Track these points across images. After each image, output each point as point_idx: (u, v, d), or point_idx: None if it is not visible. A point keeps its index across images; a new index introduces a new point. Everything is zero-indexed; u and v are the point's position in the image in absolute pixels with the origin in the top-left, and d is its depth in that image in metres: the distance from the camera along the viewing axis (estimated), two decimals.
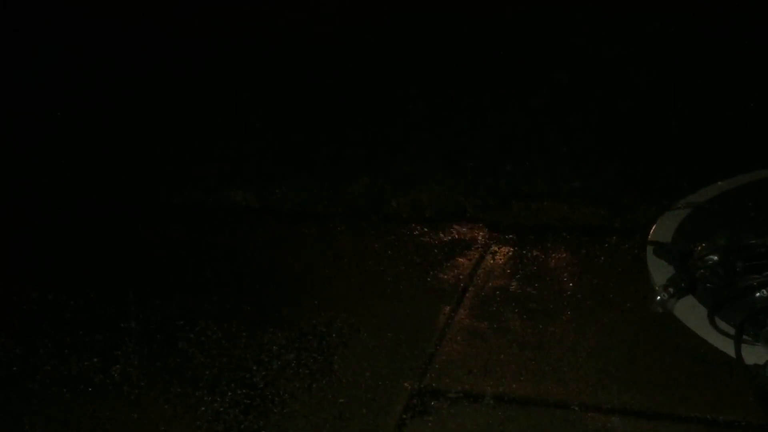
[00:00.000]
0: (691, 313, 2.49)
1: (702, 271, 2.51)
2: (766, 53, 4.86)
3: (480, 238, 3.33)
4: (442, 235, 3.38)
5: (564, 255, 3.16)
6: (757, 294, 2.42)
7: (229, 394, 2.55)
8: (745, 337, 2.31)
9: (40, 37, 6.31)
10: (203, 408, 2.50)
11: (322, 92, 4.93)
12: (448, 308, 2.88)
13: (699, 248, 2.57)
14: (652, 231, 2.78)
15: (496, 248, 3.23)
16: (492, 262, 3.15)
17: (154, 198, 3.95)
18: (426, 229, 3.42)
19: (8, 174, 4.28)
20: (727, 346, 2.33)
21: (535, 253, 3.18)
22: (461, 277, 3.07)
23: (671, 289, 2.49)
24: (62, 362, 2.77)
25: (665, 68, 4.86)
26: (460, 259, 3.18)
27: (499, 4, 6.05)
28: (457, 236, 3.36)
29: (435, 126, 4.40)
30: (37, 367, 2.76)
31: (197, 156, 4.30)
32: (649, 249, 2.72)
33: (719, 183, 3.00)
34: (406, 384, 2.53)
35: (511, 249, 3.23)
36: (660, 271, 2.61)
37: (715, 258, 2.51)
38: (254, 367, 2.66)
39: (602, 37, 5.32)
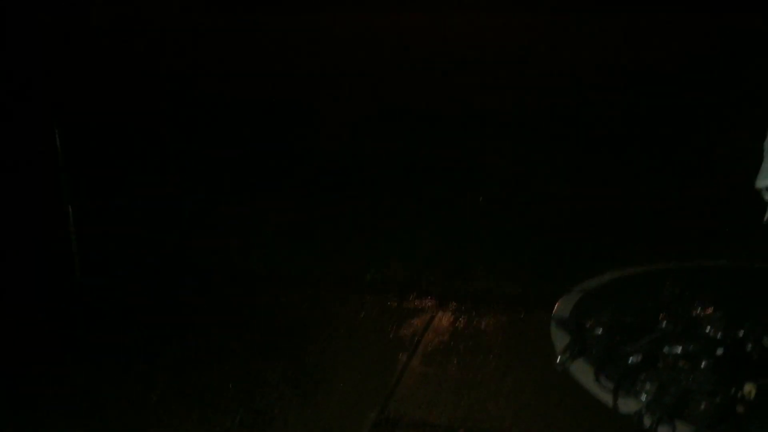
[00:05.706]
0: (582, 371, 2.76)
1: (591, 340, 2.85)
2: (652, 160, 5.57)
3: (430, 304, 4.00)
4: (402, 301, 4.05)
5: (492, 320, 3.86)
6: (630, 359, 2.76)
7: (239, 417, 3.19)
8: (621, 391, 2.64)
9: None
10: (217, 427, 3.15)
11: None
12: (405, 356, 3.56)
13: (589, 323, 2.95)
14: (555, 308, 3.18)
15: (441, 313, 3.94)
16: (439, 323, 3.86)
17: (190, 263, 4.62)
18: (390, 296, 4.11)
19: None
20: (608, 398, 2.61)
21: (470, 318, 3.89)
22: (415, 333, 3.76)
23: (568, 353, 2.81)
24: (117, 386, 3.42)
25: (565, 179, 5.59)
26: (415, 320, 3.87)
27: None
28: (413, 302, 4.03)
29: (398, 217, 5.10)
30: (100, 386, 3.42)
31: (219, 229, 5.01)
32: (553, 321, 3.09)
33: (606, 274, 3.42)
34: (370, 413, 3.09)
35: (453, 314, 3.95)
36: (560, 339, 2.94)
37: (601, 331, 2.88)
38: (256, 396, 3.32)
39: (521, 155, 6.08)
